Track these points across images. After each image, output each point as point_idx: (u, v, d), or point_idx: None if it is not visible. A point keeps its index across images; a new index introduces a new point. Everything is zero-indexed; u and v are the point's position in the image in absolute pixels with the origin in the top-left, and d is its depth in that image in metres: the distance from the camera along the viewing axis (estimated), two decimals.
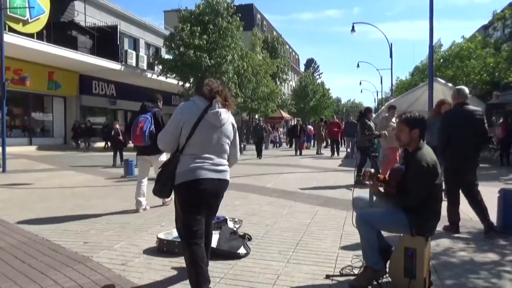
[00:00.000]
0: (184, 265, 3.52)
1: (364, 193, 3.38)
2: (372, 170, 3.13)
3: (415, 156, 2.96)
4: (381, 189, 3.15)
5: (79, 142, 21.04)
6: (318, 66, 78.98)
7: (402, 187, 2.99)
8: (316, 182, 9.06)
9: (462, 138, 4.59)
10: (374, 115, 10.91)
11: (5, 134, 11.48)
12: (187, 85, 22.96)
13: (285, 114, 42.59)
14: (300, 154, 18.79)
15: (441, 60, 27.60)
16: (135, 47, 27.09)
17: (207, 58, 21.06)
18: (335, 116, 20.09)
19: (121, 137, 12.56)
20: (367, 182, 3.13)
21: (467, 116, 4.70)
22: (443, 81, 14.22)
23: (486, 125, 4.94)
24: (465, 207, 6.17)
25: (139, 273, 3.33)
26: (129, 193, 7.44)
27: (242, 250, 3.79)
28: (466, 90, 5.12)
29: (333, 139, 18.58)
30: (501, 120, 17.97)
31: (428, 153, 3.00)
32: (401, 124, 3.10)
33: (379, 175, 3.18)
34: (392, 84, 32.92)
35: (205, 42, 21.16)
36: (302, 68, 74.19)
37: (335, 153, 17.78)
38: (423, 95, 11.72)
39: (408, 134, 3.06)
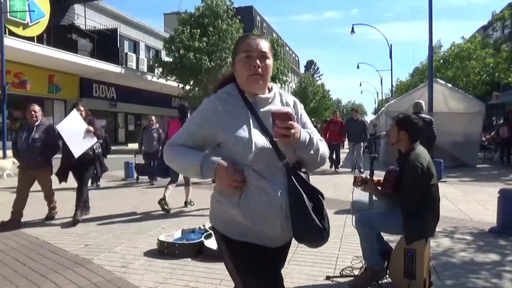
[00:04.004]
0: (184, 267, 3.53)
1: (364, 195, 3.38)
2: (364, 175, 3.14)
3: (408, 157, 2.96)
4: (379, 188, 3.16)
5: None
6: (318, 68, 79.09)
7: (398, 188, 3.00)
8: (316, 183, 9.04)
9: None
10: (374, 117, 10.91)
11: (6, 138, 11.50)
12: (187, 87, 22.99)
13: None
14: None
15: (441, 61, 27.64)
16: (135, 50, 27.13)
17: (207, 60, 21.09)
18: (337, 113, 13.95)
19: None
20: (359, 188, 3.14)
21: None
22: (443, 82, 14.25)
23: (434, 128, 7.14)
24: (465, 207, 6.19)
25: (139, 275, 3.34)
26: (129, 196, 7.46)
27: None
28: (422, 103, 7.50)
29: (332, 144, 11.68)
30: (501, 121, 17.96)
31: (421, 153, 2.99)
32: (393, 123, 3.15)
33: (373, 178, 3.19)
34: (392, 85, 32.98)
35: (205, 44, 21.21)
36: (302, 69, 74.24)
37: (334, 165, 12.11)
38: (423, 96, 11.74)
39: (396, 134, 3.09)
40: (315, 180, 1.67)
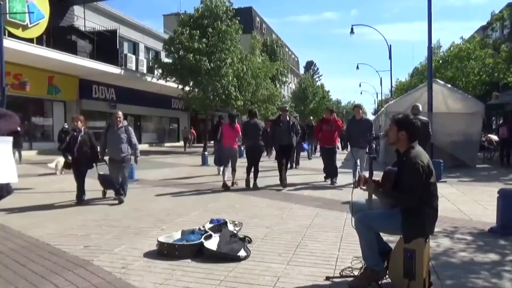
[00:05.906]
0: (184, 267, 3.54)
1: (363, 195, 3.39)
2: (367, 175, 3.16)
3: (408, 155, 2.98)
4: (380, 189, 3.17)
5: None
6: (317, 68, 79.04)
7: (397, 188, 3.02)
8: (316, 184, 9.08)
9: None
10: (374, 117, 10.86)
11: None
12: (187, 88, 22.99)
13: None
14: (296, 165, 13.21)
15: (440, 61, 27.67)
16: (135, 51, 27.15)
17: (207, 61, 21.09)
18: (328, 109, 10.17)
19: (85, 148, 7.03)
20: (364, 187, 3.15)
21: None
22: (442, 82, 14.27)
23: (430, 129, 7.94)
24: (464, 207, 6.19)
25: (139, 276, 3.34)
26: (128, 197, 7.44)
27: (242, 253, 3.80)
28: (420, 106, 8.41)
29: (325, 149, 9.35)
30: (501, 121, 17.99)
31: (421, 152, 3.03)
32: (392, 123, 3.17)
33: (373, 179, 3.21)
34: (391, 86, 32.97)
35: (204, 45, 21.20)
36: (301, 70, 74.27)
37: (330, 177, 9.15)
38: (423, 96, 11.75)
39: (395, 134, 3.11)
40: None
